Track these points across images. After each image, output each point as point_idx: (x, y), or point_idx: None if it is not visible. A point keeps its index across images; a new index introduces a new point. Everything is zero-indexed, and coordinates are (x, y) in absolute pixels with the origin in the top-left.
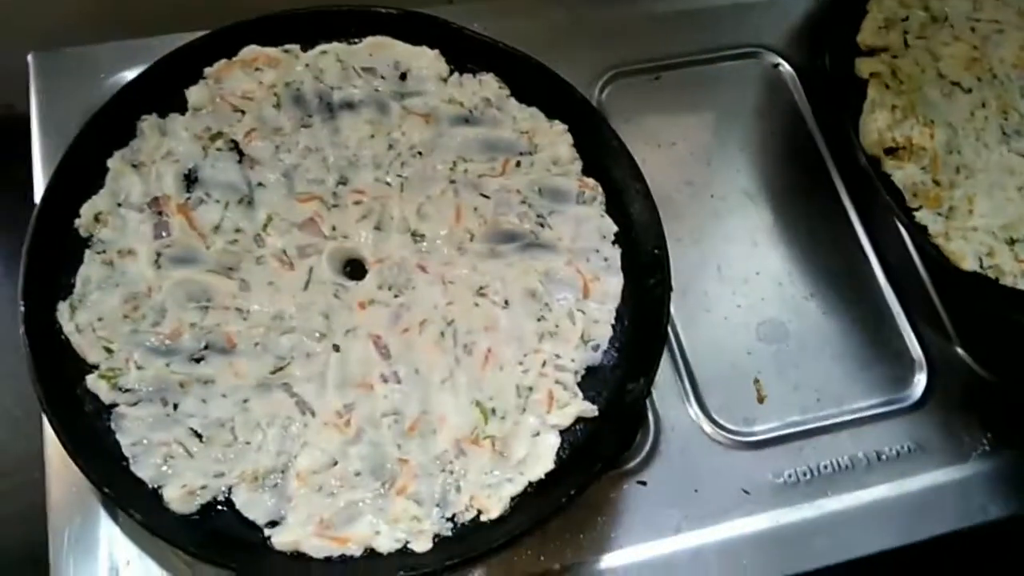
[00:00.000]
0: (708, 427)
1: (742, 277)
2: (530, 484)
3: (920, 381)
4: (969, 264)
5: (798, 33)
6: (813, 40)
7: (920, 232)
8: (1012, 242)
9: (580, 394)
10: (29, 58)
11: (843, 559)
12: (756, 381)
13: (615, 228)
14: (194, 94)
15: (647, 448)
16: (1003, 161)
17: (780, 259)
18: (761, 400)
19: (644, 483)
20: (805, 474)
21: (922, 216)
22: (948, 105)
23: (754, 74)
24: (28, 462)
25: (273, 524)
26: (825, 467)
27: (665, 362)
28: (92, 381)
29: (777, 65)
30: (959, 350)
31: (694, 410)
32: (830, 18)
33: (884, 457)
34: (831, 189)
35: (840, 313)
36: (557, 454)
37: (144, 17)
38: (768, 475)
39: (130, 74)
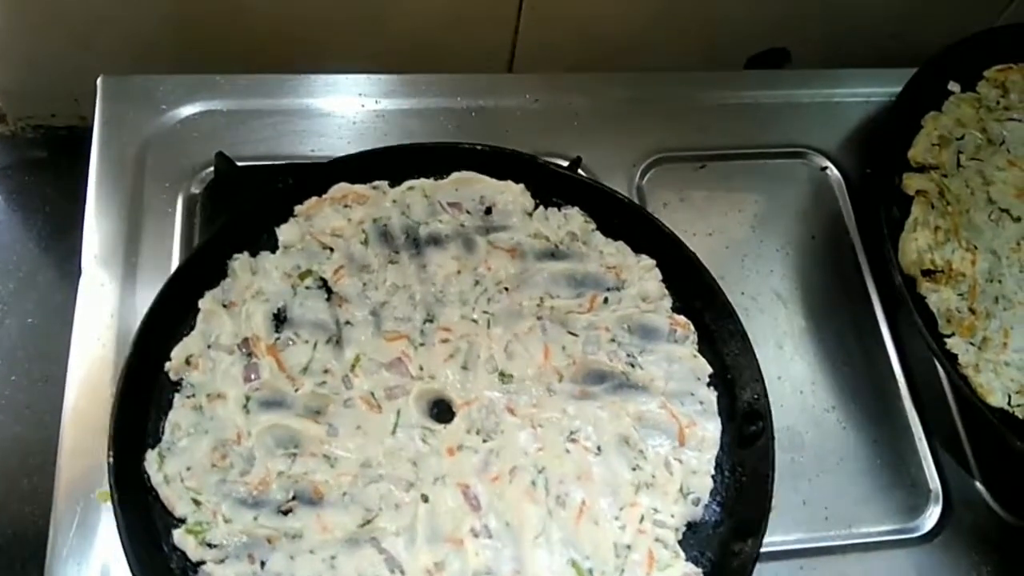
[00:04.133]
0: None
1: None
2: None
3: (934, 513)
4: (997, 400)
5: (850, 139)
6: (864, 149)
7: (949, 360)
8: None
9: (683, 554)
10: (98, 82)
11: None
12: None
13: (710, 369)
14: (285, 232)
15: None
16: None
17: (805, 367)
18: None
19: None
20: None
21: (953, 344)
22: (994, 232)
23: (800, 175)
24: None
25: None
26: None
27: None
28: (179, 537)
29: (825, 168)
30: (978, 485)
31: None
32: (884, 128)
33: None
34: (866, 302)
35: (860, 431)
36: None
37: (214, 51)
38: None
39: (189, 109)
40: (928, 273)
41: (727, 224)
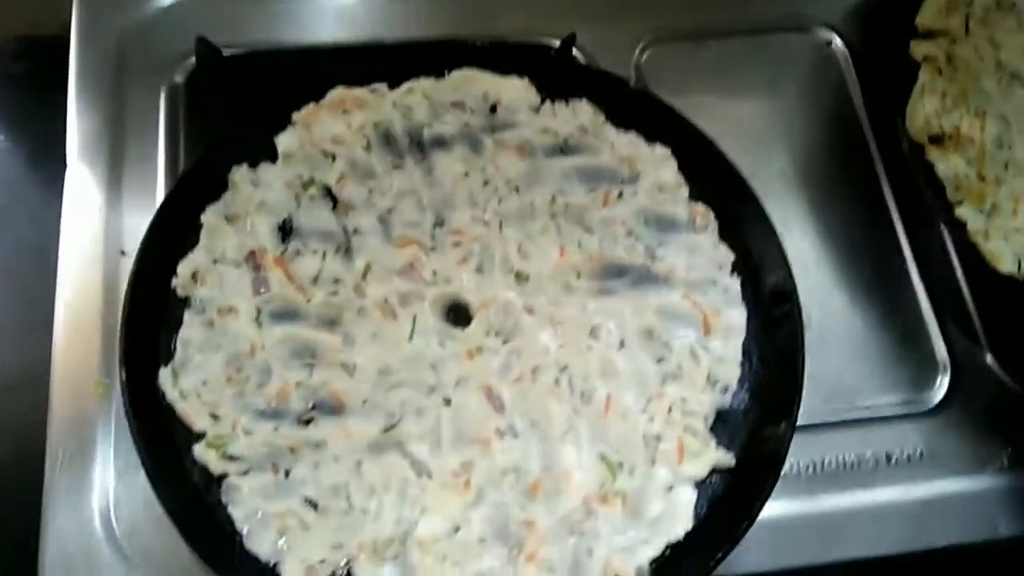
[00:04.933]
0: None
1: None
2: (668, 546)
3: (942, 385)
4: (1007, 266)
5: (854, 10)
6: (870, 18)
7: (958, 228)
8: None
9: (713, 441)
10: None
11: (836, 559)
12: None
13: (732, 256)
14: (284, 141)
15: None
16: None
17: (811, 246)
18: None
19: None
20: (808, 468)
21: (963, 211)
22: (1004, 97)
23: (804, 49)
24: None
25: None
26: (829, 463)
27: None
28: (200, 451)
29: (830, 42)
30: (988, 357)
31: None
32: None
33: (894, 460)
34: (872, 177)
35: (866, 306)
36: (694, 510)
37: None
38: None
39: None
40: (936, 140)
41: (729, 104)
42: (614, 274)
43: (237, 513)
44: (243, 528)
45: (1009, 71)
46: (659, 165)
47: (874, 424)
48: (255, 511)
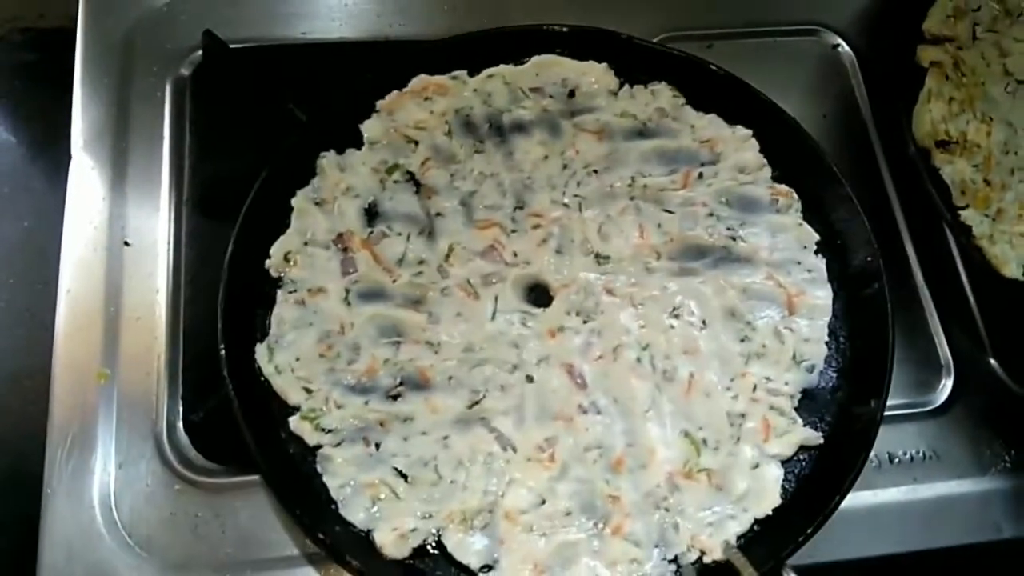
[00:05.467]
0: None
1: None
2: (756, 521)
3: (945, 387)
4: (1011, 271)
5: (862, 15)
6: (877, 23)
7: (963, 232)
8: None
9: (799, 420)
10: None
11: (839, 558)
12: None
13: (816, 236)
14: (369, 128)
15: None
16: None
17: None
18: None
19: None
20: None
21: (968, 216)
22: (1010, 103)
23: (811, 52)
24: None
25: (487, 568)
26: None
27: None
28: (296, 423)
29: (837, 46)
30: (991, 360)
31: None
32: (897, 2)
33: (897, 460)
34: (877, 180)
35: None
36: (782, 487)
37: None
38: None
39: None
40: (943, 144)
41: None
42: (694, 255)
43: (332, 483)
44: (338, 497)
45: (1016, 77)
46: (740, 146)
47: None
48: (348, 481)
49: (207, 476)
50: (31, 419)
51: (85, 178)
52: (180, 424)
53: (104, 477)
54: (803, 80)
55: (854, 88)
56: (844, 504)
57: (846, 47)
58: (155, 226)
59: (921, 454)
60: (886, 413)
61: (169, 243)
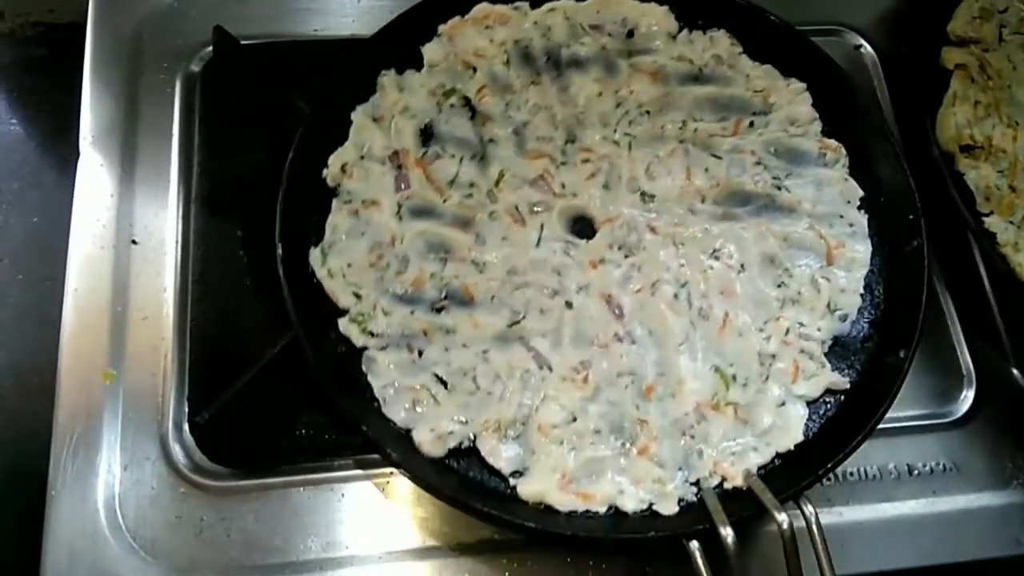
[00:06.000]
0: None
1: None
2: (777, 455)
3: (967, 397)
4: None
5: (886, 15)
6: (901, 24)
7: (987, 239)
8: None
9: (828, 365)
10: None
11: (857, 571)
12: None
13: (861, 192)
14: (429, 51)
15: None
16: None
17: None
18: None
19: None
20: (829, 478)
21: (992, 222)
22: None
23: (834, 52)
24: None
25: (517, 475)
26: (851, 474)
27: None
28: (344, 324)
29: (859, 47)
30: (1014, 370)
31: None
32: (922, 3)
33: (917, 472)
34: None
35: None
36: (805, 426)
37: None
38: None
39: None
40: (967, 149)
41: None
42: (739, 201)
43: (376, 383)
44: (381, 396)
45: None
46: (793, 99)
47: (897, 435)
48: (392, 382)
49: (213, 479)
50: (36, 416)
51: (93, 175)
52: (186, 426)
53: (109, 479)
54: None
55: (876, 89)
56: (862, 516)
57: (869, 48)
58: (163, 224)
59: (941, 466)
60: (905, 424)
61: (177, 241)
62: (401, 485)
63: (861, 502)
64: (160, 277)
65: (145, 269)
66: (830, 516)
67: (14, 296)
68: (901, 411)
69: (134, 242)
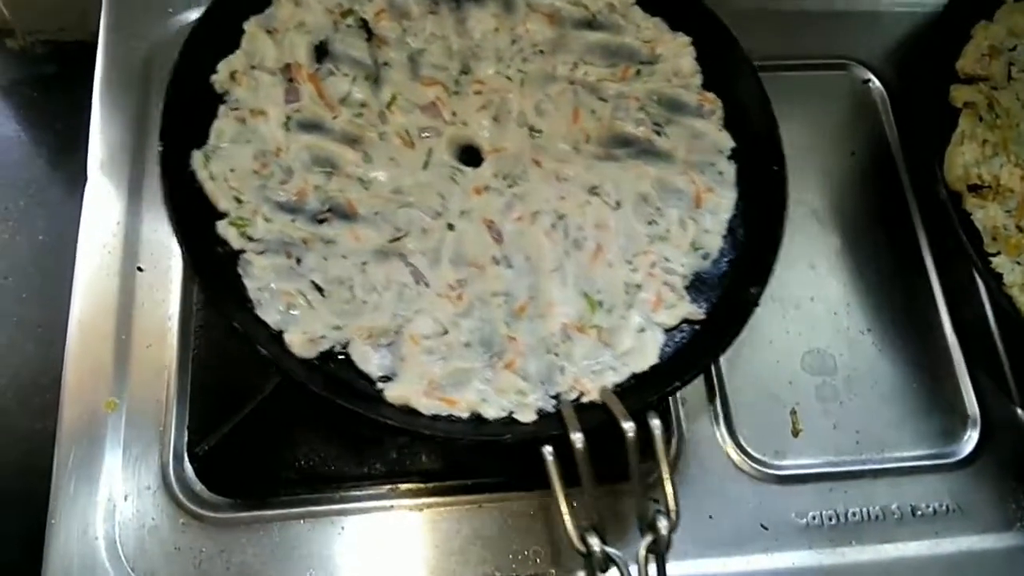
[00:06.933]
0: (734, 453)
1: (795, 301)
2: (633, 375)
3: (971, 438)
4: None
5: (894, 51)
6: (909, 60)
7: (994, 279)
8: None
9: (687, 297)
10: None
11: None
12: (793, 412)
13: (732, 143)
14: None
15: None
16: None
17: (840, 287)
18: (796, 433)
19: (656, 500)
20: (831, 518)
21: (999, 263)
22: None
23: (842, 87)
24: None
25: (386, 380)
26: (854, 514)
27: (698, 380)
28: (223, 227)
29: (867, 81)
30: (1019, 411)
31: (722, 432)
32: (931, 39)
33: (920, 513)
34: (906, 220)
35: (896, 353)
36: (661, 351)
37: None
38: (791, 513)
39: (197, 12)
40: (975, 188)
41: None
42: (620, 143)
43: (251, 284)
44: (256, 298)
45: None
46: (679, 52)
47: (901, 475)
48: (267, 285)
49: (212, 511)
50: (38, 435)
51: (101, 201)
52: (187, 456)
53: (109, 508)
54: (833, 115)
55: (884, 124)
56: (865, 557)
57: (877, 83)
58: (169, 251)
59: (944, 507)
60: (909, 464)
61: (183, 269)
62: (401, 519)
63: (864, 542)
64: (165, 305)
65: (150, 296)
66: (833, 556)
67: (17, 314)
68: (908, 451)
69: (140, 269)
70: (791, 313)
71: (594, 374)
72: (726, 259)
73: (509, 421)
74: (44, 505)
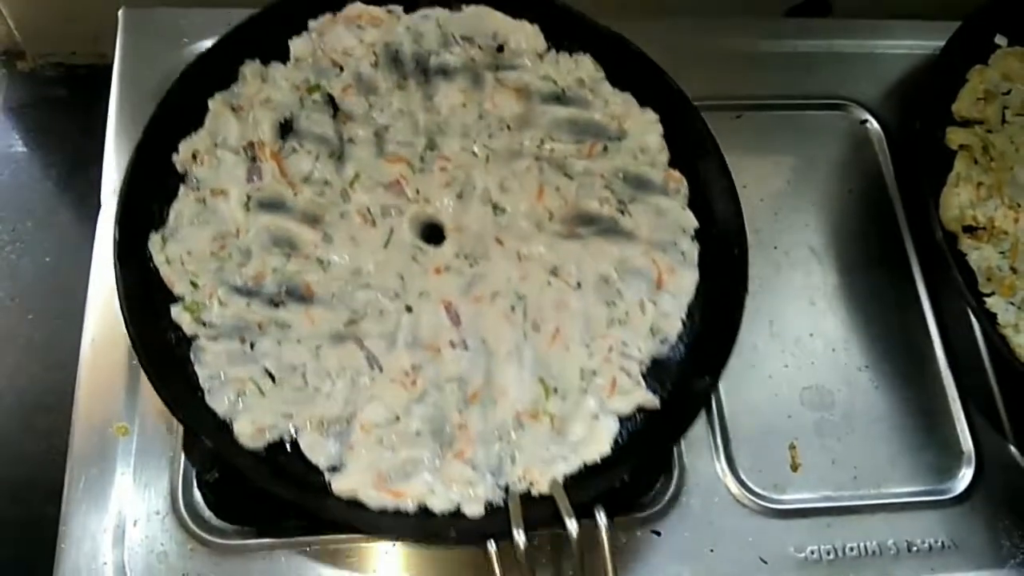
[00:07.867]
0: (734, 486)
1: (794, 337)
2: (584, 465)
3: (966, 475)
4: None
5: (892, 92)
6: (907, 102)
7: (988, 319)
8: None
9: (644, 384)
10: (119, 14)
11: None
12: (792, 447)
13: (696, 223)
14: (297, 45)
15: (667, 498)
16: None
17: (838, 324)
18: (795, 468)
19: (658, 533)
20: (828, 552)
21: (993, 303)
22: None
23: (839, 127)
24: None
25: (334, 470)
26: (851, 549)
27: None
28: (176, 312)
29: (865, 121)
30: (1013, 449)
31: (722, 466)
32: (928, 82)
33: (915, 548)
34: (903, 259)
35: (893, 390)
36: (615, 440)
37: None
38: (790, 547)
39: (211, 42)
40: (970, 230)
41: (762, 176)
42: (584, 221)
43: (202, 372)
44: (206, 386)
45: None
46: (646, 129)
47: (898, 511)
48: (218, 373)
49: (221, 537)
50: (43, 458)
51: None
52: (195, 482)
53: (118, 533)
54: (830, 154)
55: (881, 164)
56: None
57: (874, 123)
58: None
59: (940, 543)
60: (905, 500)
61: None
62: (410, 552)
63: None
64: None
65: None
66: None
67: (24, 336)
68: (903, 487)
69: None
70: (791, 348)
71: (544, 464)
72: (684, 344)
73: (456, 514)
74: (46, 526)
